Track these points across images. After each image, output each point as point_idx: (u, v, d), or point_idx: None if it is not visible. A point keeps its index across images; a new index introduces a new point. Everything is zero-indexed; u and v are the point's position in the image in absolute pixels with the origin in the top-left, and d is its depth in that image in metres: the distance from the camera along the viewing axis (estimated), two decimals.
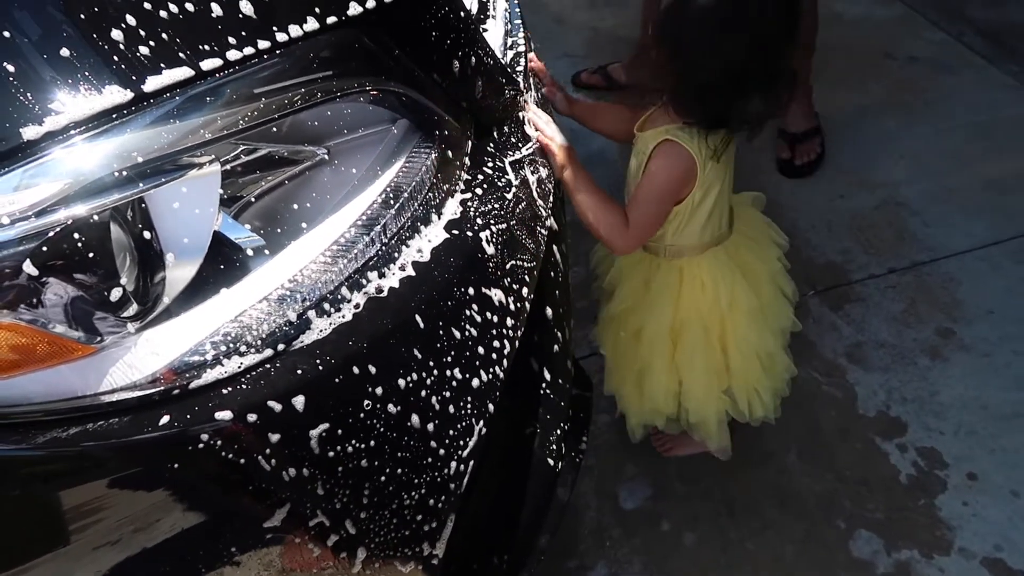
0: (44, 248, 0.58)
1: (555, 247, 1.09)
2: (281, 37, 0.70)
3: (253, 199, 0.80)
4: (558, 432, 1.15)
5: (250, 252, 0.73)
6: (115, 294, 0.62)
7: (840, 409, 1.70)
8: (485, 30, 1.08)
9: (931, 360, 1.77)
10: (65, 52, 0.60)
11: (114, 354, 0.63)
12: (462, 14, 0.89)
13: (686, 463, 1.62)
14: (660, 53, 1.12)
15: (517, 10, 1.33)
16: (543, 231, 1.01)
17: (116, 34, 0.62)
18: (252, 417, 0.65)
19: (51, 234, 0.59)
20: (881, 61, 2.61)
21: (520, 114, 1.08)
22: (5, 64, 0.60)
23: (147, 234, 0.67)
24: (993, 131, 2.31)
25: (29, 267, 0.57)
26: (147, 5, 0.63)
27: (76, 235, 0.59)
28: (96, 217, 0.60)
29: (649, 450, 1.65)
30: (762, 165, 2.25)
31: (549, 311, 1.09)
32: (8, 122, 0.59)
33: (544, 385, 1.15)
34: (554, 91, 1.34)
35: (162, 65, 0.63)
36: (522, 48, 1.21)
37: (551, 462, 1.15)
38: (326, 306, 0.72)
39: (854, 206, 2.14)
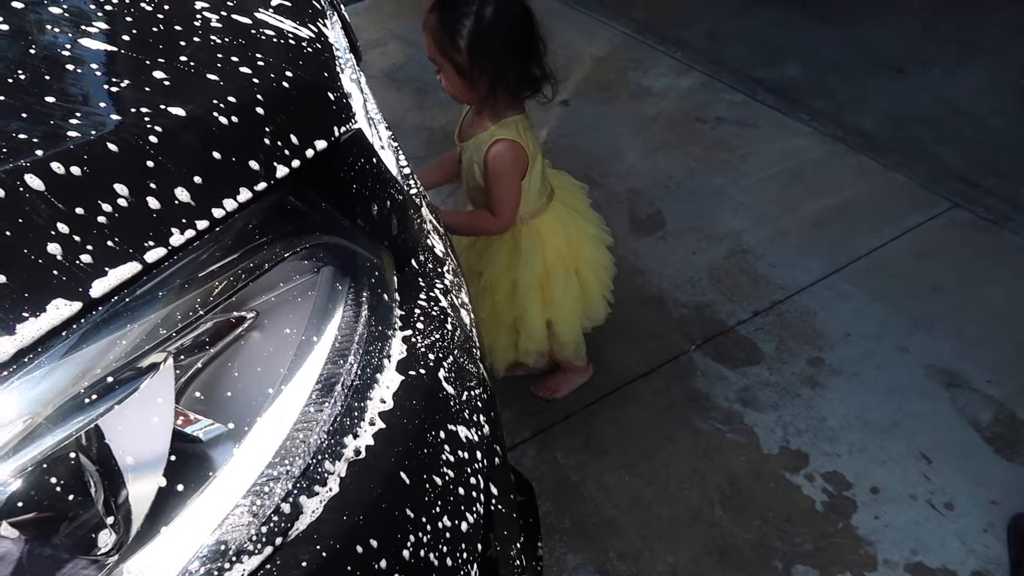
0: (10, 503, 0.50)
1: (482, 364, 1.09)
2: (218, 213, 0.67)
3: (187, 384, 0.75)
4: (517, 546, 1.13)
5: (215, 444, 0.67)
6: (91, 532, 0.55)
7: (747, 453, 1.79)
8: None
9: (812, 389, 1.91)
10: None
11: None
12: (375, 160, 0.89)
13: (624, 542, 1.63)
14: (473, 70, 1.46)
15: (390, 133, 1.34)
16: (477, 352, 1.01)
17: (52, 247, 0.56)
18: None
19: (10, 487, 0.51)
20: (694, 124, 2.86)
21: (427, 240, 1.09)
22: None
23: (104, 453, 0.60)
24: (804, 173, 2.58)
25: (6, 529, 0.49)
26: (79, 211, 0.58)
27: (46, 478, 0.52)
28: (66, 452, 0.53)
29: (582, 534, 1.65)
30: (621, 235, 2.37)
31: (487, 426, 1.07)
32: None
33: (493, 501, 1.12)
34: None
35: (106, 268, 0.58)
36: (408, 171, 1.22)
37: None
38: (312, 485, 0.68)
39: (707, 259, 2.30)
